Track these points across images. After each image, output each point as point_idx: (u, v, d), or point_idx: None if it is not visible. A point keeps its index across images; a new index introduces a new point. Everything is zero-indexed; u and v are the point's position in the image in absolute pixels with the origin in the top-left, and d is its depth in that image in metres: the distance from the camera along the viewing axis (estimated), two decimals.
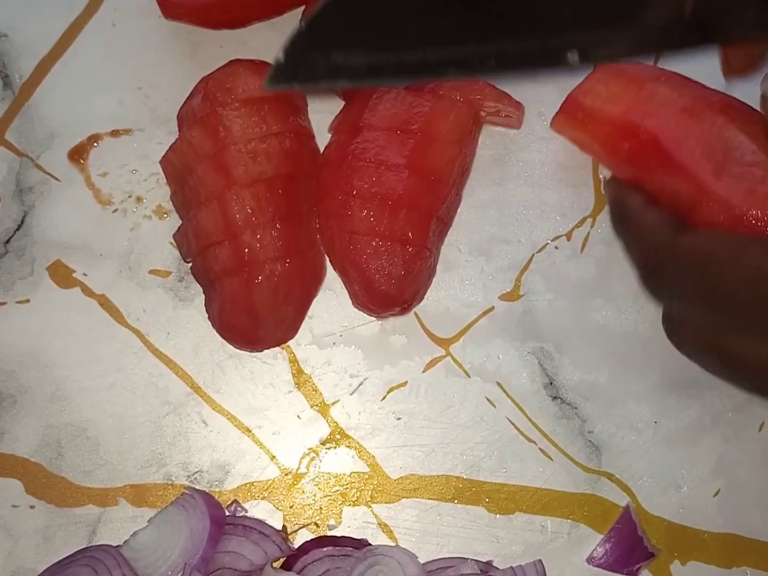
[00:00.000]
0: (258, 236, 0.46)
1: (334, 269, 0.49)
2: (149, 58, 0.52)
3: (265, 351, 0.50)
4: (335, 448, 0.50)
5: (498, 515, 0.49)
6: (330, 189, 0.48)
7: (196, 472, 0.49)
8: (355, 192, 0.47)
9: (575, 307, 0.51)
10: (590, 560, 0.49)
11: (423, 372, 0.51)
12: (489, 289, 0.51)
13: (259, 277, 0.46)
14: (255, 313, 0.47)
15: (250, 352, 0.50)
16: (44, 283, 0.50)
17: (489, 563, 0.49)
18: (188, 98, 0.49)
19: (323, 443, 0.50)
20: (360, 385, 0.50)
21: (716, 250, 0.39)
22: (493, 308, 0.51)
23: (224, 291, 0.47)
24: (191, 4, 0.49)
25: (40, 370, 0.50)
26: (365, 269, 0.47)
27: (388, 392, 0.50)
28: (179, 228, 0.49)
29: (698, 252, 0.40)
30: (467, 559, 0.48)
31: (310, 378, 0.50)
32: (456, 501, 0.50)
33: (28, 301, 0.50)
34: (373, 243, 0.47)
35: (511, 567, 0.48)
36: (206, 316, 0.49)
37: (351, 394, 0.50)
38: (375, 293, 0.47)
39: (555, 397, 0.50)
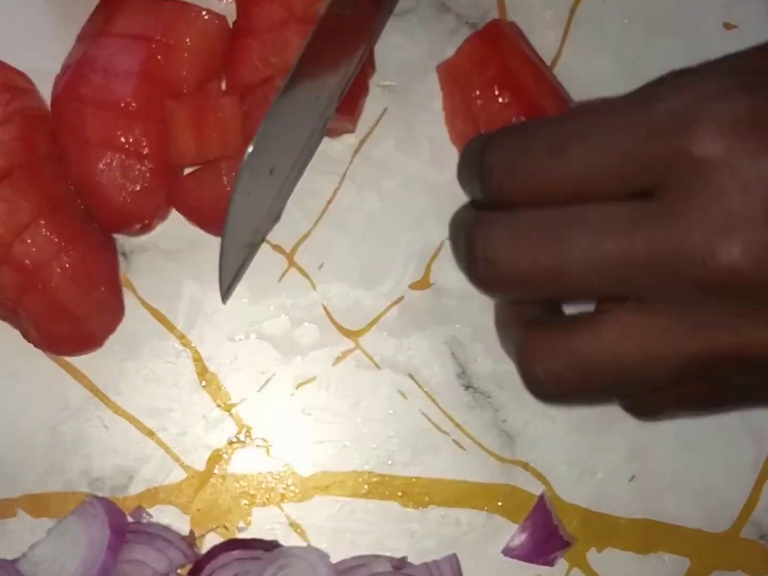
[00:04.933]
0: (28, 240, 0.44)
1: (71, 185, 0.47)
2: (39, 46, 0.50)
3: (168, 349, 0.49)
4: (243, 447, 0.49)
5: (412, 509, 0.49)
6: (61, 96, 0.46)
7: (98, 478, 0.48)
8: (83, 99, 0.45)
9: None
10: (506, 551, 0.49)
11: (333, 365, 0.49)
12: (398, 279, 0.50)
13: (53, 279, 0.45)
14: (72, 314, 0.45)
15: (93, 351, 0.48)
16: None
17: (403, 559, 0.48)
18: None
19: (231, 443, 0.48)
20: (268, 381, 0.49)
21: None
22: (402, 298, 0.50)
23: (30, 311, 0.45)
24: None
25: None
26: (98, 183, 0.45)
27: (297, 387, 0.49)
28: None
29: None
30: (379, 556, 0.47)
31: (216, 376, 0.49)
32: (369, 496, 0.49)
33: None
34: (108, 155, 0.45)
35: (426, 563, 0.47)
36: None
37: (259, 391, 0.49)
38: (110, 208, 0.46)
39: (468, 387, 0.50)
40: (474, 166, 0.37)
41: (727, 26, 0.52)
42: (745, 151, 0.31)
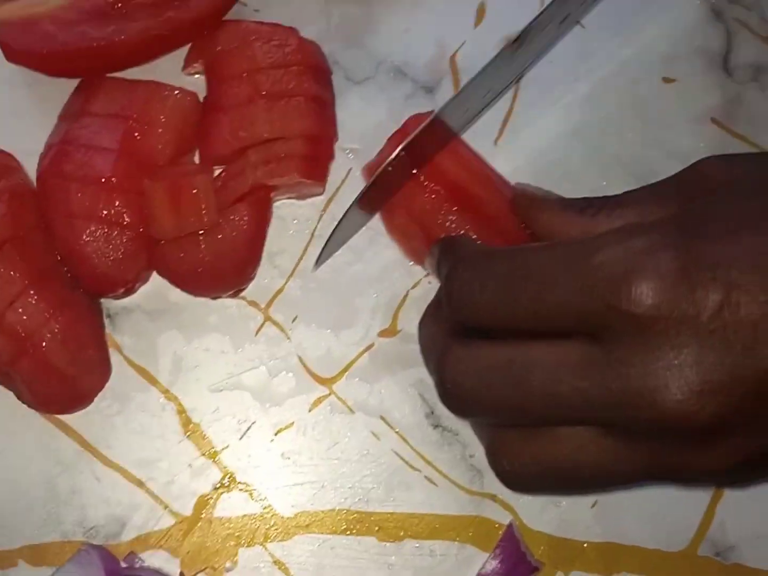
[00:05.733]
0: (20, 309, 0.47)
1: (57, 255, 0.50)
2: (22, 127, 0.53)
3: (153, 403, 0.52)
4: (228, 492, 0.52)
5: (388, 543, 0.52)
6: (46, 173, 0.49)
7: (92, 527, 0.51)
8: (67, 175, 0.48)
9: None
10: None
11: (309, 412, 0.52)
12: (368, 327, 0.53)
13: (43, 344, 0.47)
14: (63, 375, 0.48)
15: (83, 408, 0.51)
16: None
17: None
18: None
19: (216, 489, 0.52)
20: (248, 429, 0.52)
21: (527, 247, 0.39)
22: (372, 345, 0.53)
23: (23, 375, 0.48)
24: (31, 51, 0.50)
25: None
26: (83, 252, 0.48)
27: (276, 434, 0.52)
28: None
29: (507, 251, 0.40)
30: None
31: (199, 426, 0.52)
32: (348, 533, 0.52)
33: None
34: (92, 227, 0.48)
35: None
36: None
37: (240, 439, 0.52)
38: (95, 275, 0.49)
39: (437, 426, 0.53)
40: (439, 279, 0.42)
41: (666, 80, 0.56)
42: (672, 309, 0.34)
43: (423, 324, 0.47)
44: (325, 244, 0.51)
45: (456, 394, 0.40)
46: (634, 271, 0.34)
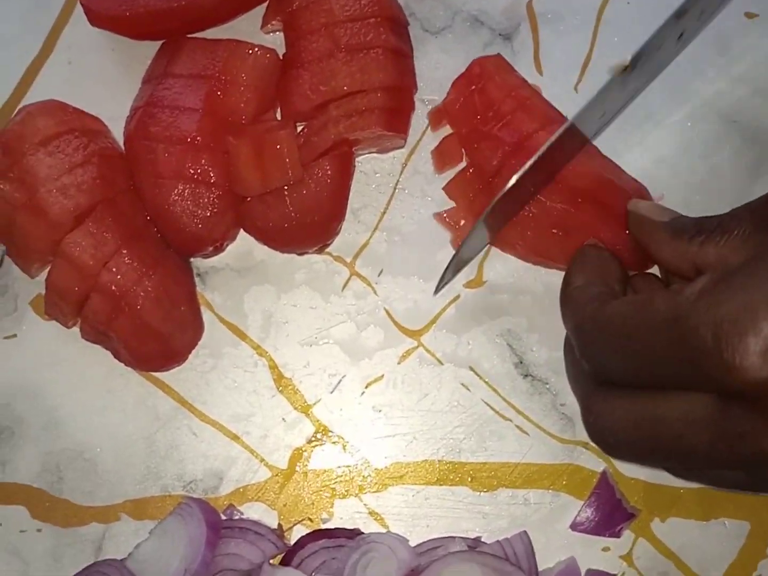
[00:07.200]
0: (114, 269, 0.48)
1: (147, 216, 0.51)
2: (108, 91, 0.54)
3: (246, 359, 0.53)
4: (321, 445, 0.52)
5: (482, 493, 0.52)
6: (132, 135, 0.50)
7: (191, 481, 0.52)
8: (153, 137, 0.49)
9: (537, 286, 0.53)
10: (574, 526, 0.52)
11: (398, 364, 0.53)
12: (454, 279, 0.53)
13: (138, 303, 0.49)
14: (157, 333, 0.49)
15: (178, 366, 0.52)
16: (29, 317, 0.53)
17: (477, 539, 0.51)
18: None
19: (309, 442, 0.52)
20: (339, 382, 0.53)
21: (627, 310, 0.40)
22: (459, 296, 0.53)
23: (121, 334, 0.49)
24: (114, 14, 0.51)
25: (33, 401, 0.52)
26: (172, 212, 0.49)
27: (367, 387, 0.53)
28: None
29: (614, 315, 0.40)
30: (455, 537, 0.50)
31: (291, 381, 0.53)
32: (441, 483, 0.52)
33: (15, 335, 0.53)
34: (179, 186, 0.49)
35: (498, 541, 0.50)
36: None
37: (331, 393, 0.53)
38: (184, 234, 0.50)
39: (526, 375, 0.53)
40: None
41: (749, 15, 0.55)
42: None
43: (565, 351, 0.48)
44: (447, 267, 0.51)
45: (600, 444, 0.43)
46: (724, 341, 0.34)
